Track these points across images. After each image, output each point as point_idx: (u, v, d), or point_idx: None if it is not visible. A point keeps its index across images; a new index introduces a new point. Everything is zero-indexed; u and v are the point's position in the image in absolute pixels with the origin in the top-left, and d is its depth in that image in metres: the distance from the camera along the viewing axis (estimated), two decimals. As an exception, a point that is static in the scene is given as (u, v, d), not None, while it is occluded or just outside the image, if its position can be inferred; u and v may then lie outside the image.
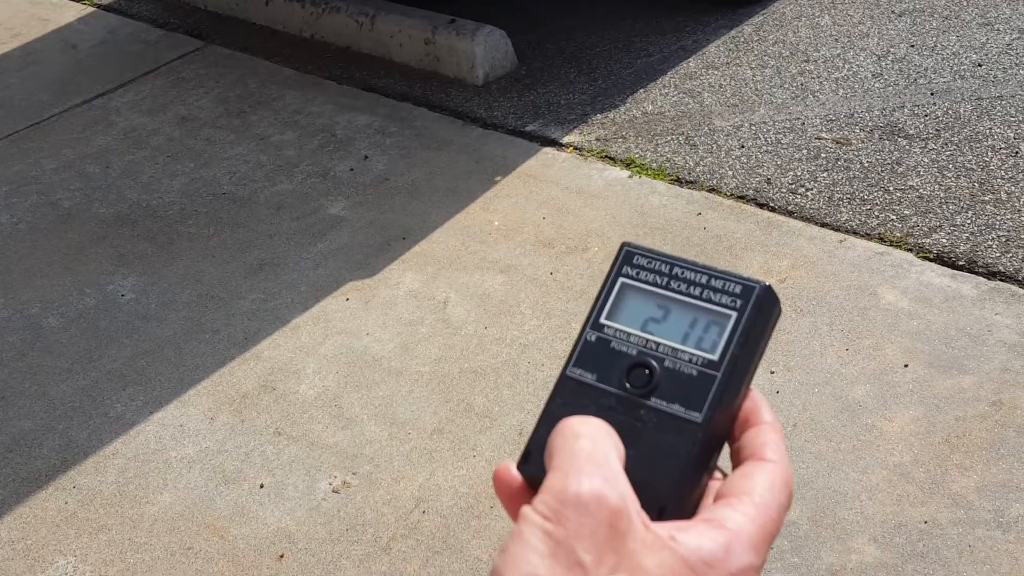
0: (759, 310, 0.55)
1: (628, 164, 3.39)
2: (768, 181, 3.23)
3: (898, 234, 2.93)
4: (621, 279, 0.58)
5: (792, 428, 2.36)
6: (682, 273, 0.57)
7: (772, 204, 3.12)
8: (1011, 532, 2.09)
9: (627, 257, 0.59)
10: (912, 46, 3.86)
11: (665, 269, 0.58)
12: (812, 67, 3.82)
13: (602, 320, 0.57)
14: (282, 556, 2.24)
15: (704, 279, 0.57)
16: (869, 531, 2.12)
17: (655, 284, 0.58)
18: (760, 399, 0.56)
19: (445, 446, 2.44)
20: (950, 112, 3.45)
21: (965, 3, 4.07)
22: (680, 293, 0.57)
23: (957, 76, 3.64)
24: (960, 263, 2.80)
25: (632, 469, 0.51)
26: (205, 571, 2.22)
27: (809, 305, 2.70)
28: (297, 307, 2.92)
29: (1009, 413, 2.33)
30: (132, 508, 2.39)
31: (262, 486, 2.40)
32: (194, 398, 2.67)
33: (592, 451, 0.49)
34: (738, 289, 0.56)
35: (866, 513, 2.16)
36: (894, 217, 3.00)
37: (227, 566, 2.23)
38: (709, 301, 0.56)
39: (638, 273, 0.58)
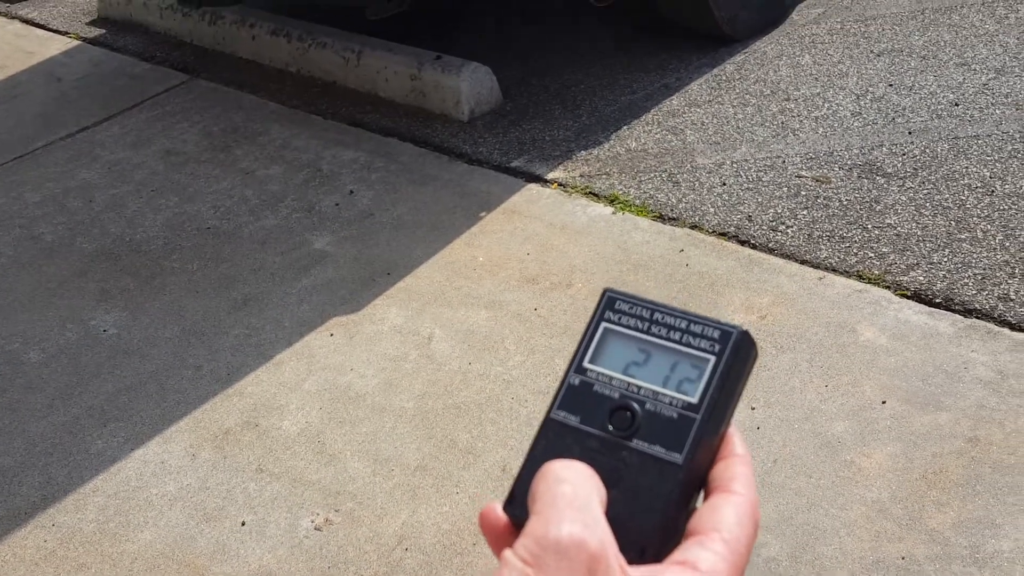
0: (736, 354, 0.57)
1: (612, 200, 3.42)
2: (749, 218, 3.26)
3: (876, 272, 2.97)
4: (604, 324, 0.60)
5: (772, 464, 2.38)
6: (662, 318, 0.59)
7: (753, 241, 3.16)
8: (987, 568, 2.11)
9: (609, 303, 0.61)
10: (890, 85, 3.91)
11: (646, 315, 0.60)
12: (792, 106, 3.87)
13: (585, 364, 0.59)
14: (264, 594, 2.23)
15: (684, 324, 0.59)
16: (848, 567, 2.14)
17: (636, 329, 0.59)
18: (733, 433, 0.58)
19: (428, 483, 2.45)
20: (927, 151, 3.50)
21: (942, 43, 4.14)
22: (661, 338, 0.59)
23: (934, 115, 3.70)
24: (937, 300, 2.83)
25: (614, 510, 0.52)
26: (186, 609, 2.22)
27: (789, 342, 2.73)
28: (281, 343, 2.93)
29: (985, 449, 2.36)
30: (112, 546, 2.39)
31: (244, 524, 2.40)
32: (176, 434, 2.67)
33: (573, 496, 0.50)
34: (716, 334, 0.58)
35: (845, 549, 2.18)
36: (872, 255, 3.04)
37: (208, 604, 2.22)
38: (689, 345, 0.58)
39: (620, 318, 0.60)
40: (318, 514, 2.40)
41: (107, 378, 2.88)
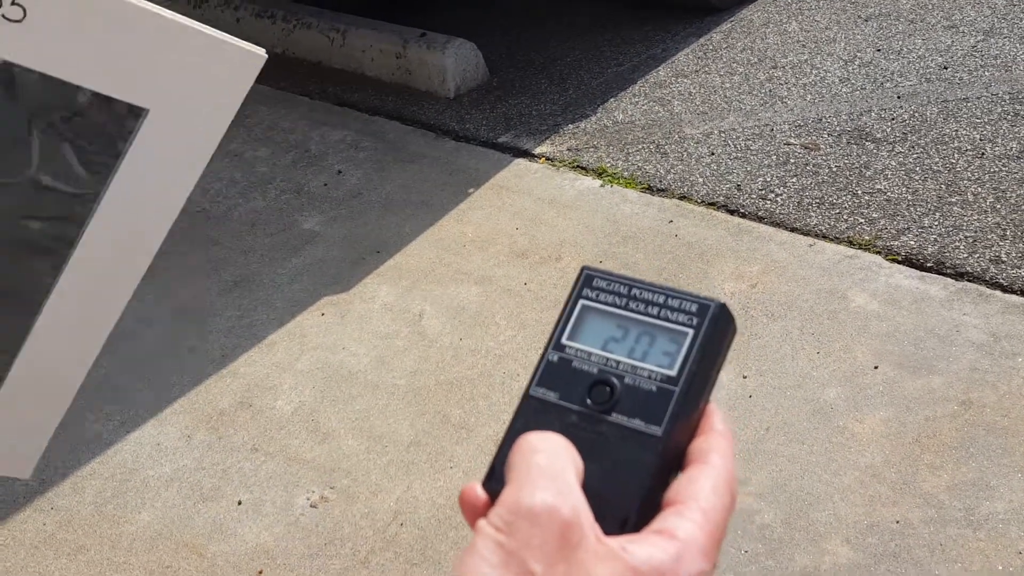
0: (715, 327, 0.57)
1: (600, 173, 3.41)
2: (738, 187, 3.26)
3: (867, 237, 2.97)
4: (582, 301, 0.60)
5: (765, 432, 2.39)
6: (640, 294, 0.59)
7: (742, 210, 3.15)
8: (981, 530, 2.12)
9: (587, 280, 0.61)
10: (878, 50, 3.90)
11: (624, 291, 0.60)
12: (780, 73, 3.86)
13: (564, 341, 0.59)
14: (261, 572, 2.24)
15: (661, 299, 0.59)
16: (842, 532, 2.15)
17: (614, 305, 0.60)
18: (714, 410, 0.58)
19: (422, 458, 2.45)
20: (916, 115, 3.49)
21: (930, 6, 4.12)
22: (639, 313, 0.59)
23: (923, 79, 3.69)
24: (928, 265, 2.83)
25: (595, 483, 0.52)
26: (184, 589, 2.23)
27: (780, 310, 2.73)
28: (273, 323, 2.93)
29: (978, 412, 2.37)
30: (110, 528, 2.39)
31: (240, 503, 2.41)
32: (171, 416, 2.67)
33: (547, 465, 0.50)
34: (694, 308, 0.58)
35: (839, 514, 2.19)
36: (863, 220, 3.04)
37: (206, 584, 2.23)
38: (667, 320, 0.58)
39: (598, 295, 0.60)
40: (313, 491, 2.41)
41: (101, 362, 2.87)
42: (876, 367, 2.51)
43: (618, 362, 0.57)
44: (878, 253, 2.90)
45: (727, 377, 2.53)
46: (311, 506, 2.38)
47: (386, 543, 2.27)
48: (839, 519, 2.18)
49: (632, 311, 0.59)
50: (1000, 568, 2.05)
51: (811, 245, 2.96)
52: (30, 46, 0.63)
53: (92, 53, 0.65)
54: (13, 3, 0.61)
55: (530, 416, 0.57)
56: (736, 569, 2.11)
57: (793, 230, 3.04)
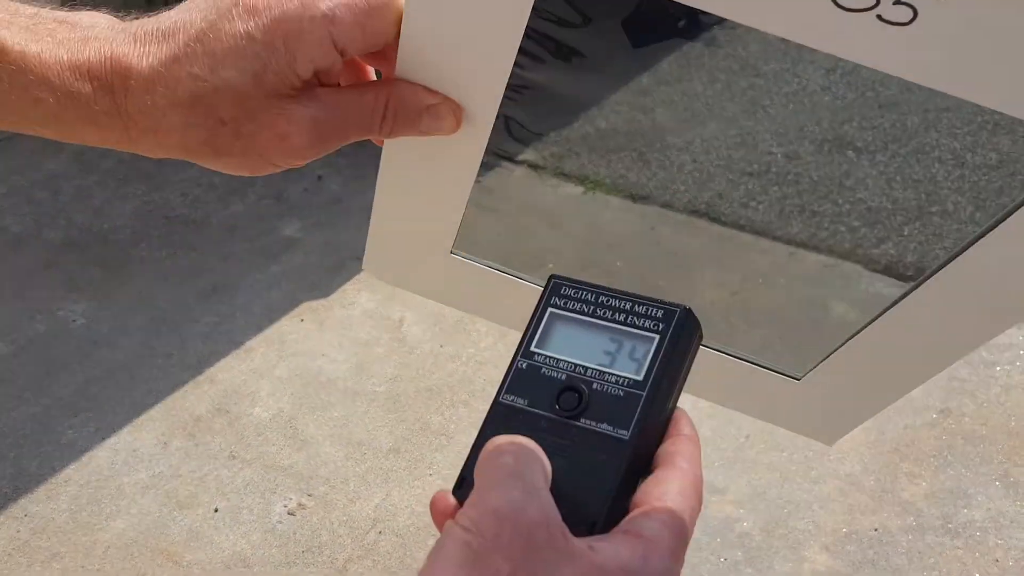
0: (680, 332, 0.58)
1: (582, 180, 3.41)
2: (720, 195, 3.26)
3: (847, 245, 2.97)
4: (550, 309, 0.61)
5: (745, 440, 2.38)
6: (607, 301, 0.60)
7: (724, 218, 3.16)
8: (959, 538, 2.12)
9: (555, 288, 0.62)
10: (859, 60, 3.92)
11: (591, 298, 0.61)
12: (762, 81, 3.87)
13: (532, 348, 0.60)
14: (237, 580, 2.22)
15: (628, 306, 0.60)
16: (821, 540, 2.15)
17: (582, 312, 0.60)
18: (683, 415, 0.59)
19: (401, 465, 2.44)
20: (897, 124, 3.51)
21: (910, 17, 4.14)
22: (606, 320, 0.59)
23: (904, 89, 3.70)
24: (908, 274, 2.84)
25: (564, 487, 0.52)
26: (159, 598, 2.21)
27: (761, 318, 2.73)
28: (251, 329, 2.91)
29: (956, 421, 2.37)
30: (85, 535, 2.37)
31: (217, 510, 2.39)
32: (147, 423, 2.64)
33: (515, 466, 0.50)
34: (660, 313, 0.58)
35: (818, 522, 2.18)
36: (843, 229, 3.04)
37: (181, 592, 2.21)
38: (633, 326, 0.59)
39: (565, 303, 0.61)
40: (291, 499, 2.39)
41: (77, 368, 2.85)
42: (856, 375, 2.51)
43: (586, 368, 0.58)
44: (858, 262, 2.91)
45: (707, 385, 2.53)
46: (289, 514, 2.36)
47: (364, 551, 2.25)
48: (818, 527, 2.18)
49: (599, 318, 0.60)
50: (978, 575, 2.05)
51: (792, 253, 2.96)
52: (916, 55, 0.51)
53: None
54: (897, 2, 0.48)
55: (499, 423, 0.57)
56: (715, 577, 2.10)
57: (774, 238, 3.04)
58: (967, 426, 2.36)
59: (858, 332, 0.74)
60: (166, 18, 0.60)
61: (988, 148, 3.32)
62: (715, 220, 3.16)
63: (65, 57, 0.59)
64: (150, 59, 0.59)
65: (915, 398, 2.43)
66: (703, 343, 0.61)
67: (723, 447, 2.37)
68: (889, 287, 2.79)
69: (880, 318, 0.73)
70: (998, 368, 2.49)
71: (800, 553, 2.13)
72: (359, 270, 3.07)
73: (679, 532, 0.51)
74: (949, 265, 0.66)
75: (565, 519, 0.49)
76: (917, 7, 0.48)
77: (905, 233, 2.99)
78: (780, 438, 2.38)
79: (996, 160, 3.26)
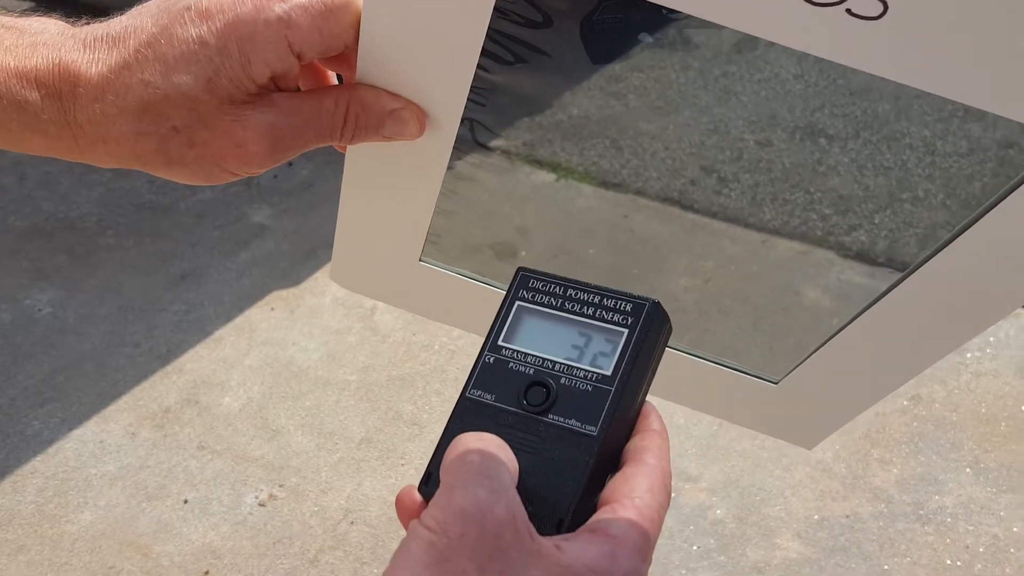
0: (649, 326, 0.57)
1: (555, 167, 3.40)
2: (692, 183, 3.26)
3: (819, 233, 2.98)
4: (517, 302, 0.60)
5: (717, 427, 2.38)
6: (576, 295, 0.59)
7: (696, 206, 3.15)
8: (930, 524, 2.13)
9: (523, 281, 0.61)
10: (831, 47, 3.92)
11: (559, 291, 0.60)
12: (735, 69, 3.87)
13: (500, 342, 0.59)
14: (207, 572, 2.20)
15: (596, 299, 0.59)
16: (793, 527, 2.15)
17: (550, 306, 0.59)
18: (651, 410, 0.58)
19: (373, 455, 2.42)
20: (869, 112, 3.51)
21: (881, 4, 4.16)
22: (574, 314, 0.59)
23: (876, 76, 3.71)
24: (879, 260, 2.85)
25: (531, 484, 0.52)
26: (128, 590, 2.18)
27: (733, 305, 2.73)
28: (221, 318, 2.88)
29: (927, 407, 2.38)
30: (52, 528, 2.34)
31: (186, 502, 2.36)
32: (115, 414, 2.61)
33: (481, 464, 0.49)
34: (629, 307, 0.58)
35: (790, 509, 2.19)
36: (815, 216, 3.05)
37: (150, 584, 2.19)
38: (602, 320, 0.58)
39: (533, 296, 0.60)
40: (262, 490, 2.37)
41: (43, 358, 2.81)
42: (828, 363, 2.52)
43: (554, 363, 0.57)
44: (830, 249, 2.91)
45: (680, 373, 2.53)
46: (259, 505, 2.34)
47: (336, 541, 2.24)
48: (790, 514, 2.18)
49: (567, 311, 0.59)
50: (948, 562, 2.06)
51: (764, 241, 2.96)
52: (886, 50, 0.49)
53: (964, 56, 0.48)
54: None
55: (466, 418, 0.57)
56: (688, 564, 2.10)
57: (747, 226, 3.04)
58: (937, 412, 2.37)
59: (836, 333, 0.74)
60: (117, 23, 0.58)
61: (959, 136, 3.34)
62: (688, 208, 3.16)
63: (12, 64, 0.57)
64: (99, 66, 0.57)
65: (886, 385, 2.45)
66: (680, 348, 0.59)
67: (696, 435, 2.37)
68: (861, 275, 2.80)
69: (858, 318, 0.73)
70: (968, 355, 2.51)
71: (772, 540, 2.13)
72: (330, 258, 3.05)
73: (647, 530, 0.50)
74: (928, 263, 0.65)
75: (532, 517, 0.49)
76: (887, 0, 0.47)
77: (876, 221, 3.00)
78: (752, 426, 2.39)
79: (966, 148, 3.28)
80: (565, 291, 0.59)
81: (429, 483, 0.54)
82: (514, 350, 0.58)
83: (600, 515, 0.51)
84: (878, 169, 3.23)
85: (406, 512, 0.54)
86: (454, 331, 2.73)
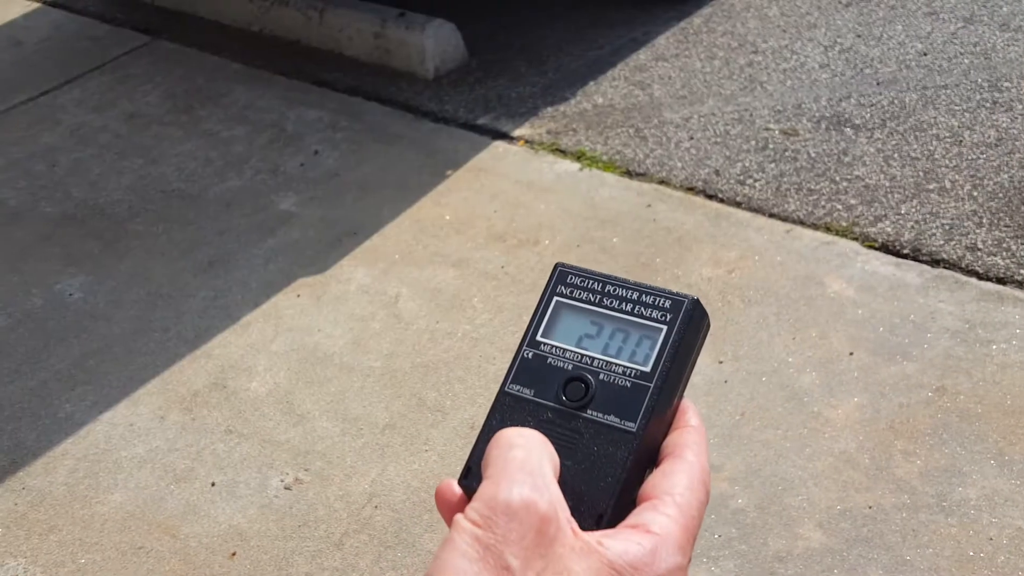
0: (689, 323, 0.58)
1: (579, 157, 3.40)
2: (717, 172, 3.25)
3: (844, 223, 2.97)
4: (556, 298, 0.61)
5: (740, 417, 2.39)
6: (614, 290, 0.60)
7: (721, 195, 3.15)
8: (954, 516, 2.13)
9: (561, 277, 0.61)
10: (859, 36, 3.90)
11: (597, 287, 0.60)
12: (760, 58, 3.86)
13: (538, 338, 0.60)
14: (234, 554, 2.23)
15: (635, 295, 0.59)
16: (815, 517, 2.16)
17: (588, 302, 0.60)
18: (689, 406, 0.59)
19: (397, 441, 2.44)
20: (896, 102, 3.50)
21: (910, -6, 4.12)
22: (613, 310, 0.59)
23: (903, 66, 3.69)
24: (905, 252, 2.84)
25: (571, 479, 0.53)
26: (156, 570, 2.21)
27: (756, 295, 2.73)
28: (248, 304, 2.91)
29: (952, 399, 2.38)
30: (82, 508, 2.38)
31: (213, 484, 2.40)
32: (144, 397, 2.65)
33: (524, 460, 0.50)
34: (668, 304, 0.58)
35: (812, 499, 2.19)
36: (840, 207, 3.04)
37: (179, 565, 2.22)
38: (641, 316, 0.58)
39: (572, 292, 0.61)
40: (288, 473, 2.40)
41: (73, 342, 2.85)
42: (851, 353, 2.52)
43: (593, 359, 0.58)
44: (855, 239, 2.91)
45: (703, 362, 2.53)
46: (285, 488, 2.37)
47: (360, 525, 2.26)
48: (812, 504, 2.19)
49: (606, 308, 0.59)
50: (971, 554, 2.06)
51: (788, 231, 2.96)
52: None
53: None
54: None
55: (505, 413, 0.57)
56: (709, 553, 2.11)
57: (771, 216, 3.04)
58: (962, 404, 2.36)
59: None
60: None
61: (987, 125, 3.32)
62: (712, 197, 3.16)
63: None
64: None
65: (910, 375, 2.44)
66: None
67: (718, 424, 2.38)
68: (885, 265, 2.79)
69: None
70: (994, 346, 2.50)
71: (794, 530, 2.14)
72: (355, 245, 3.07)
73: (687, 526, 0.51)
74: None
75: (571, 511, 0.50)
76: None
77: (902, 211, 2.99)
78: (775, 416, 2.39)
79: (995, 138, 3.26)
80: (603, 287, 0.60)
81: (469, 477, 0.55)
82: (553, 345, 0.59)
83: (641, 511, 0.52)
84: (904, 159, 3.22)
85: (446, 505, 0.55)
86: (477, 319, 2.75)
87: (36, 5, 4.99)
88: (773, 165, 3.26)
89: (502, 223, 3.11)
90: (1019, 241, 2.82)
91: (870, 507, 2.17)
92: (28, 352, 2.84)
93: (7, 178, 3.64)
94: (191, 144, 3.71)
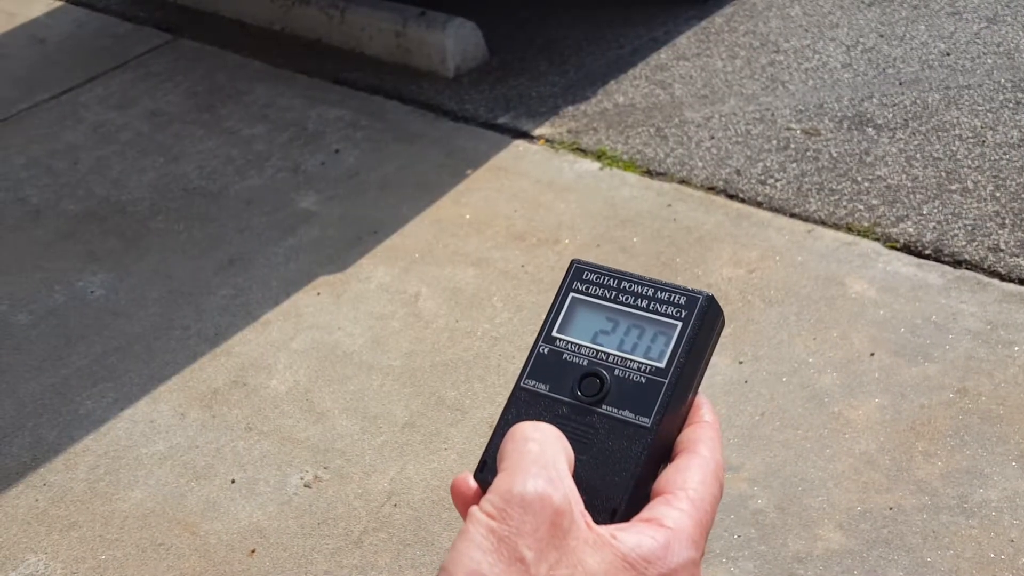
0: (703, 319, 0.58)
1: (599, 156, 3.40)
2: (738, 172, 3.24)
3: (866, 224, 2.96)
4: (572, 294, 0.61)
5: (760, 417, 2.38)
6: (629, 287, 0.60)
7: (741, 195, 3.14)
8: (974, 518, 2.12)
9: (577, 273, 0.62)
10: (881, 36, 3.88)
11: (613, 283, 0.61)
12: (782, 58, 3.84)
13: (554, 333, 0.60)
14: (253, 551, 2.24)
15: (650, 292, 0.60)
16: (835, 518, 2.15)
17: (604, 298, 0.60)
18: (704, 401, 0.59)
19: (416, 439, 2.45)
20: (918, 102, 3.48)
21: (933, -7, 4.10)
22: (628, 306, 0.60)
23: (925, 66, 3.67)
24: (926, 252, 2.82)
25: (585, 473, 0.53)
26: (176, 567, 2.22)
27: (777, 295, 2.72)
28: (268, 302, 2.92)
29: (973, 400, 2.36)
30: (103, 505, 2.39)
31: (233, 481, 2.41)
32: (164, 394, 2.66)
33: (539, 454, 0.51)
34: (683, 300, 0.59)
35: (832, 500, 2.18)
36: (862, 207, 3.03)
37: (198, 562, 2.23)
38: (656, 312, 0.59)
39: (587, 288, 0.61)
40: (307, 471, 2.40)
41: (95, 339, 2.87)
42: (872, 354, 2.51)
43: (608, 354, 0.58)
44: (877, 240, 2.89)
45: (723, 362, 2.53)
46: (305, 486, 2.38)
47: (379, 523, 2.27)
48: (832, 505, 2.18)
49: (621, 304, 0.60)
50: (992, 556, 2.05)
51: (810, 231, 2.95)
52: None
53: None
54: None
55: (521, 408, 0.58)
56: (728, 554, 2.11)
57: (792, 216, 3.03)
58: (984, 406, 2.35)
59: None
60: None
61: (1010, 126, 3.29)
62: (733, 197, 3.15)
63: None
64: None
65: (932, 377, 2.43)
66: None
67: (738, 424, 2.37)
68: (907, 266, 2.77)
69: None
70: (1016, 348, 2.48)
71: (813, 531, 2.13)
72: (375, 244, 3.08)
73: (701, 521, 0.52)
74: None
75: (585, 505, 0.50)
76: None
77: (924, 212, 2.97)
78: (795, 416, 2.38)
79: (1017, 138, 3.24)
80: (619, 283, 0.60)
81: (484, 470, 0.56)
82: (568, 341, 0.59)
83: (655, 506, 0.52)
84: (927, 159, 3.20)
85: (462, 498, 0.56)
86: (497, 318, 2.75)
87: (59, 3, 5.02)
88: (794, 165, 3.24)
89: (522, 222, 3.11)
90: (1043, 242, 2.80)
91: (890, 508, 2.16)
92: (50, 349, 2.86)
93: (30, 176, 3.66)
94: (212, 142, 3.73)
